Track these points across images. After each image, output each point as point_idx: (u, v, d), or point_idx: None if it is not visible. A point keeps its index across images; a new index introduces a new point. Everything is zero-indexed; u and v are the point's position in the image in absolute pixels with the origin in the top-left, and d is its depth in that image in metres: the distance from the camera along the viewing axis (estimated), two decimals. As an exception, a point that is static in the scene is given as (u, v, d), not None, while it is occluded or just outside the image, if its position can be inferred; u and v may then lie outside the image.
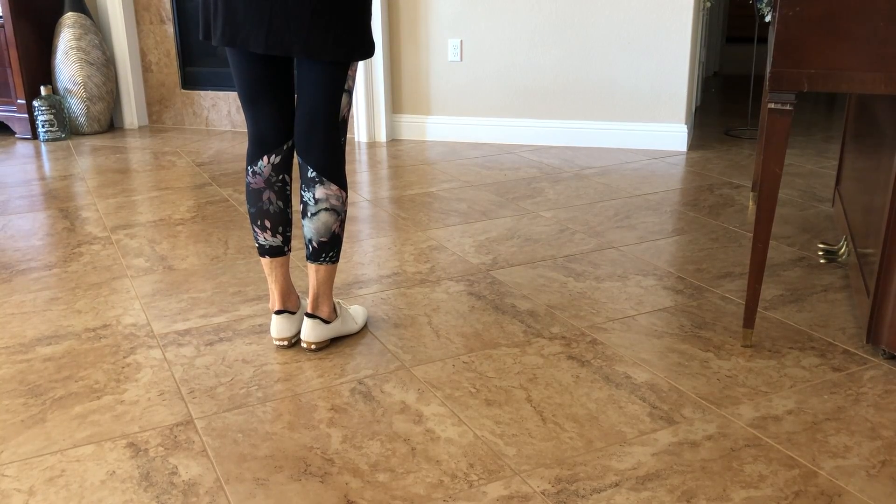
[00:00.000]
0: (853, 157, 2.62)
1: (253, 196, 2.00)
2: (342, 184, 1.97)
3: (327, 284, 2.03)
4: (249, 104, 1.95)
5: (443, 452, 1.61)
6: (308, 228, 1.98)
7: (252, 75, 1.90)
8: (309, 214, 1.97)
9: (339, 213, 1.98)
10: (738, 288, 2.41)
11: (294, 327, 2.07)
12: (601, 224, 3.02)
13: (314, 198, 1.95)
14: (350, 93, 1.94)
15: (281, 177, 2.00)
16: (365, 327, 2.18)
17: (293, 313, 2.07)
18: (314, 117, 1.91)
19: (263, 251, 2.03)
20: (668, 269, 2.56)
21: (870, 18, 1.69)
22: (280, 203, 2.01)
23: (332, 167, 1.94)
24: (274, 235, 2.02)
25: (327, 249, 2.00)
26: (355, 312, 2.17)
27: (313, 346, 2.04)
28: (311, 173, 1.94)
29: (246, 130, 4.90)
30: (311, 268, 2.02)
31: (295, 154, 1.99)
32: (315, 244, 1.99)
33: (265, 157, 1.97)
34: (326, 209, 1.95)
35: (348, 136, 4.64)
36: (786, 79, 1.78)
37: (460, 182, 3.65)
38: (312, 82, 1.89)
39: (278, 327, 2.05)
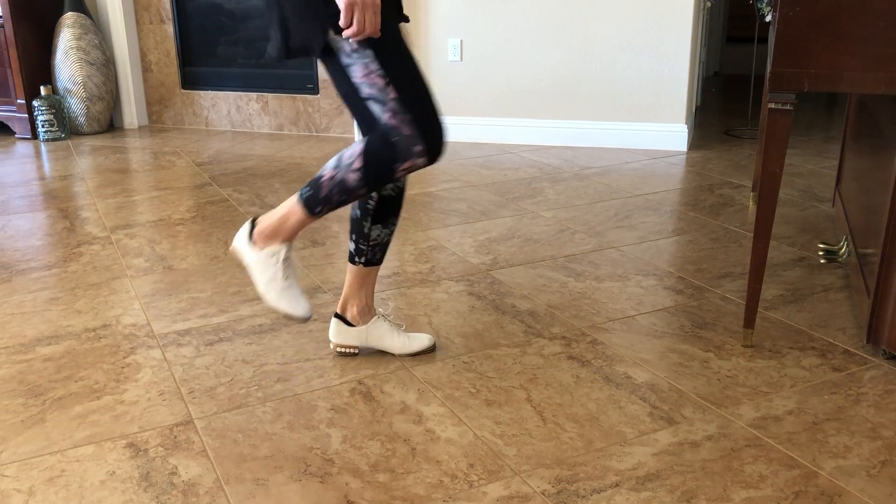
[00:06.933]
0: (853, 157, 2.62)
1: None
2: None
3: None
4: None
5: (443, 452, 1.61)
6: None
7: None
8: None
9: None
10: (738, 288, 2.41)
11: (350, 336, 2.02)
12: (601, 224, 3.02)
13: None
14: (358, 81, 1.67)
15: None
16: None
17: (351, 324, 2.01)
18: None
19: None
20: (668, 269, 2.56)
21: (870, 18, 1.69)
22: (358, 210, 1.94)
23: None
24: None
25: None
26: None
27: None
28: None
29: (245, 130, 4.90)
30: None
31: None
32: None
33: None
34: None
35: (346, 135, 4.64)
36: (786, 79, 1.78)
37: (460, 182, 3.65)
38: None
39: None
